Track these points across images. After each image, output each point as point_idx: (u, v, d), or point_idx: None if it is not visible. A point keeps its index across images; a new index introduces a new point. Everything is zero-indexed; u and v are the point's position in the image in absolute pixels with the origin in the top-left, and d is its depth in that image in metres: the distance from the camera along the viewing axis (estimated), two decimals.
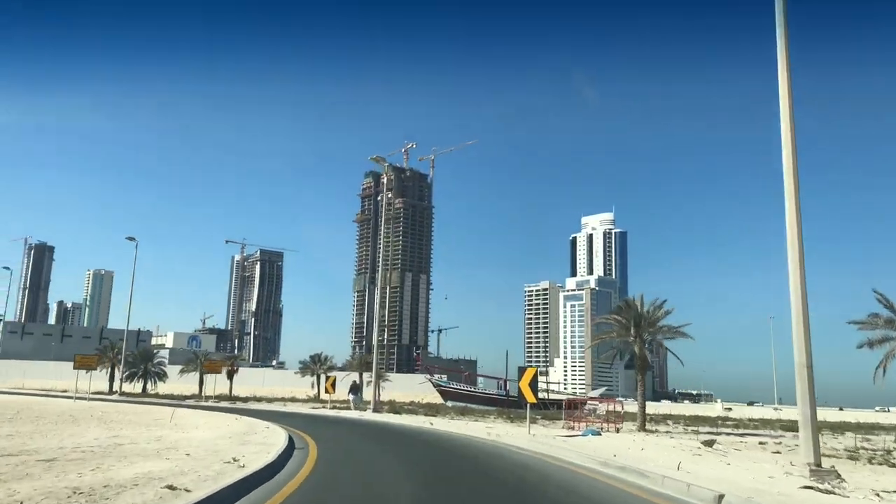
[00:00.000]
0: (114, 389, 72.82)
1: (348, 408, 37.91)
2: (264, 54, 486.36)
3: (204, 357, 72.83)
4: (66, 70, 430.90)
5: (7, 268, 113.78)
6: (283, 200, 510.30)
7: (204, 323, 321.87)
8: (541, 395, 74.04)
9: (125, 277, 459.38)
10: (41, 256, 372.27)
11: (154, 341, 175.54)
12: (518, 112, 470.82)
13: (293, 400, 59.25)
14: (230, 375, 65.27)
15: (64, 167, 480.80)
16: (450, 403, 58.46)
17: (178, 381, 78.62)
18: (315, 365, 71.34)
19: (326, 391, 39.22)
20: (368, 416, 32.12)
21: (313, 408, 41.04)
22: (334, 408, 39.59)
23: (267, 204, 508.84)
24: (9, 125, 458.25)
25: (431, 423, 27.13)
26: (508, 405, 53.61)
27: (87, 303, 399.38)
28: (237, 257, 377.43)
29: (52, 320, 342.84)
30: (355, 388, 39.07)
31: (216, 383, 62.71)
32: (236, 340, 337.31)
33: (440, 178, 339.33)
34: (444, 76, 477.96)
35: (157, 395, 65.21)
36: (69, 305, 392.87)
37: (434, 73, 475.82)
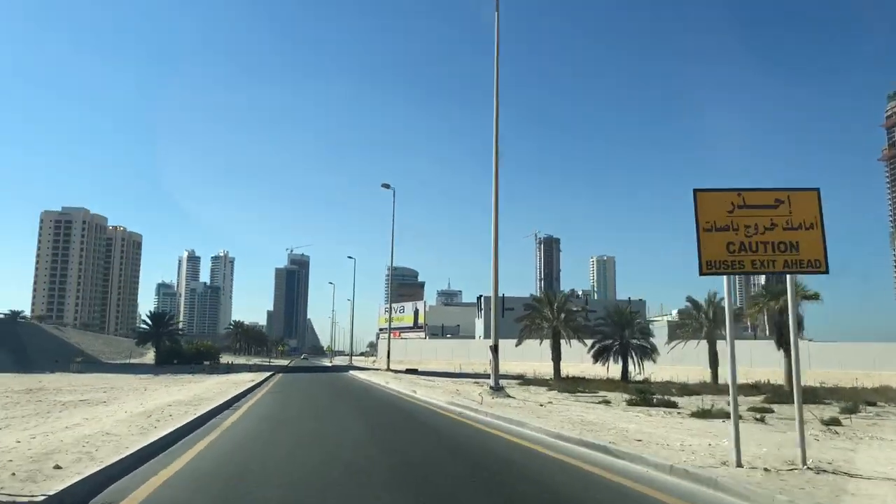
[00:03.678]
0: (561, 373, 41.24)
1: None
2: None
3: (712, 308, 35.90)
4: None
5: None
6: (785, 142, 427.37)
7: None
8: None
9: (623, 262, 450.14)
10: (550, 248, 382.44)
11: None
12: None
13: None
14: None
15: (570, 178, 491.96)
16: None
17: (671, 362, 44.68)
18: None
19: None
20: None
21: None
22: None
23: (759, 148, 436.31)
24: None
25: None
26: None
27: (595, 288, 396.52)
28: None
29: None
30: None
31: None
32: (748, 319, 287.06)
33: None
34: None
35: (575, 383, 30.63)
36: (580, 292, 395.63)
37: None
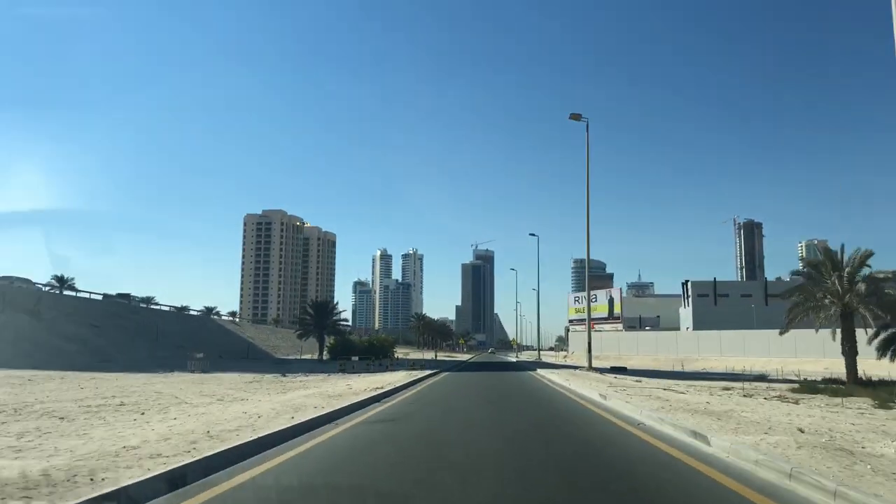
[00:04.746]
0: (832, 375, 26.53)
1: None
2: None
3: None
4: None
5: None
6: None
7: None
8: None
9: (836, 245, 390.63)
10: (751, 233, 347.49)
11: None
12: None
13: None
14: None
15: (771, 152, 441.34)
16: None
17: None
18: None
19: None
20: None
21: None
22: None
23: None
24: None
25: None
26: None
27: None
28: None
29: None
30: None
31: None
32: None
33: None
34: None
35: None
36: (787, 278, 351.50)
37: None
